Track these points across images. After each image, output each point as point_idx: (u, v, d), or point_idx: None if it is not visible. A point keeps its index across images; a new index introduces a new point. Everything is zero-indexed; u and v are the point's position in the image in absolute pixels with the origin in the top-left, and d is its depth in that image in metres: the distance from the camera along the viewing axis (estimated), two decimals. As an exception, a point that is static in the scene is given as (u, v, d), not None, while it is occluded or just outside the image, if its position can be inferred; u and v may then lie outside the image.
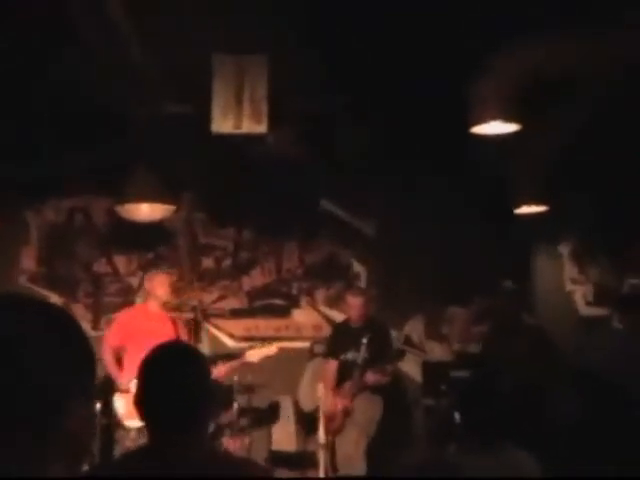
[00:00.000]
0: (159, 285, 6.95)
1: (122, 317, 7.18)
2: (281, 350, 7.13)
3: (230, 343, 8.52)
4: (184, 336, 6.95)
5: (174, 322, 6.96)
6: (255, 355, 6.96)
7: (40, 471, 1.20)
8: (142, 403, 2.54)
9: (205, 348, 7.69)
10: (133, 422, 6.23)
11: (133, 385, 3.07)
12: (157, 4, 5.08)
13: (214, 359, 7.37)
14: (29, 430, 1.19)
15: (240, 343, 8.50)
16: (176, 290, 7.72)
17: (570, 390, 7.37)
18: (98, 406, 6.60)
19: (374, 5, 5.11)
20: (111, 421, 6.67)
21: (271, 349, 7.07)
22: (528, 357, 7.10)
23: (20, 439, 1.18)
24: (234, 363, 6.98)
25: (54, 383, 1.21)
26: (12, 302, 1.29)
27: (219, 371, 6.85)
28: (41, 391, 1.19)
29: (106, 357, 6.69)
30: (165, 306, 7.12)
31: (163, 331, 6.48)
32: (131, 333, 6.60)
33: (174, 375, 2.50)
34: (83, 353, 1.29)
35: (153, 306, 6.97)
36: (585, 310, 8.21)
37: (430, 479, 3.15)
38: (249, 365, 7.04)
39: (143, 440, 5.11)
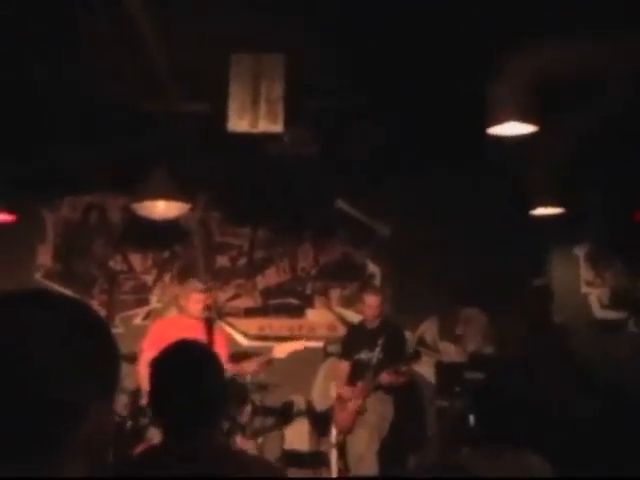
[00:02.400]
0: (194, 303, 6.84)
1: (157, 327, 7.08)
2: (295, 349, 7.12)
3: (244, 342, 8.52)
4: (219, 343, 6.82)
5: (211, 330, 6.83)
6: (283, 351, 6.94)
7: (57, 471, 1.18)
8: (154, 402, 2.54)
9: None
10: None
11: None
12: (176, 4, 5.08)
13: (245, 355, 7.40)
14: (47, 430, 1.17)
15: (254, 342, 8.51)
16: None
17: (587, 392, 7.35)
18: (130, 423, 6.55)
19: (391, 5, 5.09)
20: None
21: (299, 344, 7.06)
22: (555, 355, 7.08)
23: (37, 439, 1.17)
24: (262, 358, 6.96)
25: (75, 383, 1.19)
26: (39, 298, 1.27)
27: (250, 366, 6.86)
28: (60, 391, 1.17)
29: (141, 371, 6.37)
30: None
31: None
32: (164, 345, 6.46)
33: (185, 374, 2.50)
34: (107, 350, 1.27)
35: (188, 317, 6.89)
36: (600, 313, 8.17)
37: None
38: (275, 361, 7.01)
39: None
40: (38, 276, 8.69)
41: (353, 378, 7.35)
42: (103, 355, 1.26)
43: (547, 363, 6.96)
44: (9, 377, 1.16)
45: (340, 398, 7.27)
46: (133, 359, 6.92)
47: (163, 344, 2.64)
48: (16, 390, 1.16)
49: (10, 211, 7.94)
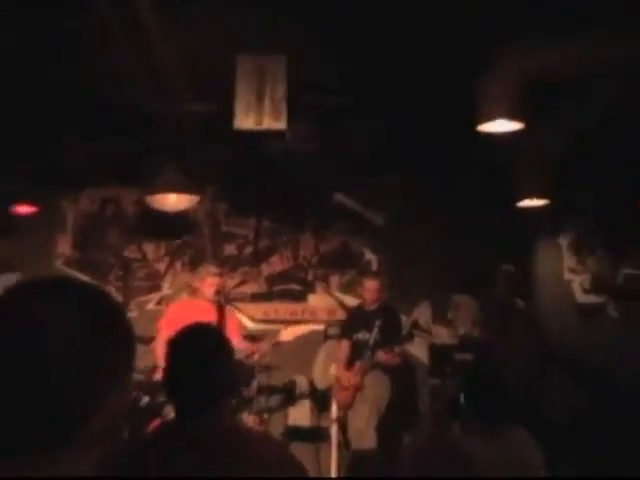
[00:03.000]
0: (208, 286, 6.83)
1: (172, 309, 7.07)
2: (297, 332, 7.12)
3: (250, 325, 8.50)
4: (232, 325, 6.80)
5: (222, 313, 6.82)
6: (289, 334, 6.96)
7: (79, 454, 1.15)
8: (168, 381, 2.53)
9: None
10: None
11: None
12: (185, 7, 5.03)
13: (252, 337, 7.42)
14: (67, 414, 1.13)
15: (259, 325, 8.50)
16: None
17: (563, 372, 7.33)
18: (145, 400, 6.51)
19: (386, 7, 5.04)
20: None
21: (304, 328, 7.12)
22: (519, 340, 7.05)
23: (58, 423, 1.13)
24: (271, 339, 6.97)
25: (99, 364, 1.16)
26: (59, 285, 1.24)
27: (262, 347, 6.86)
28: (86, 373, 1.14)
29: (158, 350, 6.38)
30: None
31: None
32: (180, 325, 6.45)
33: (198, 356, 2.49)
34: (125, 335, 1.24)
35: (202, 300, 6.87)
36: (582, 298, 8.13)
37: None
38: (284, 343, 7.04)
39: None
40: (59, 264, 8.69)
41: (352, 357, 7.35)
42: (122, 339, 1.23)
43: (511, 345, 6.93)
44: (35, 364, 1.12)
45: (340, 380, 7.26)
46: (147, 341, 6.91)
47: (179, 325, 2.64)
48: (39, 372, 1.12)
49: (33, 203, 7.95)
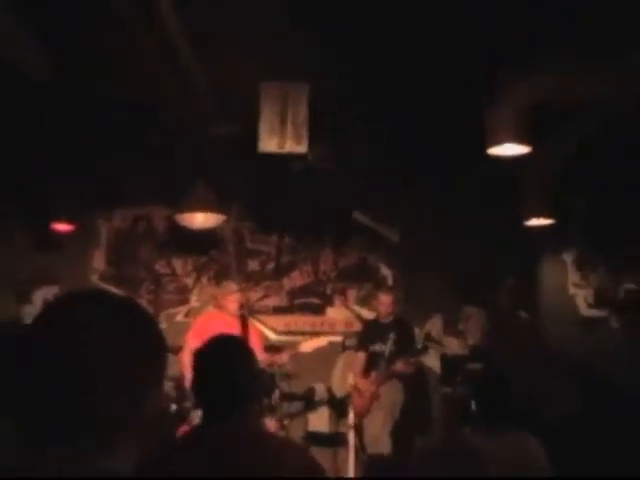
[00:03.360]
0: (231, 302, 6.89)
1: (200, 321, 7.13)
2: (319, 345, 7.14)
3: (272, 336, 8.52)
4: (255, 337, 6.84)
5: (246, 325, 6.83)
6: (308, 346, 6.99)
7: (126, 451, 1.19)
8: (196, 388, 2.56)
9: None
10: None
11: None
12: (218, 40, 5.12)
13: (274, 348, 7.45)
14: (111, 408, 1.18)
15: (281, 336, 8.52)
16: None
17: (566, 381, 7.30)
18: (174, 407, 6.54)
19: (402, 37, 5.10)
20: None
21: (322, 341, 7.13)
22: (520, 350, 7.04)
23: (99, 416, 1.17)
24: (291, 352, 7.00)
25: (134, 369, 1.20)
26: (101, 299, 1.28)
27: (281, 358, 6.90)
28: (123, 377, 1.18)
29: (185, 359, 6.43)
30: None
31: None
32: (206, 336, 6.47)
33: (223, 364, 2.52)
34: (157, 343, 1.28)
35: (226, 313, 6.93)
36: (586, 311, 8.12)
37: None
38: (301, 355, 7.05)
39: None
40: (94, 278, 8.73)
41: (368, 368, 7.36)
42: (154, 347, 1.27)
43: (510, 352, 6.91)
44: (78, 367, 1.17)
45: (357, 388, 7.27)
46: (175, 351, 6.94)
47: (205, 336, 2.67)
48: (85, 378, 1.17)
49: (70, 221, 8.01)
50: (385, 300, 7.48)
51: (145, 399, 1.21)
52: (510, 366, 6.52)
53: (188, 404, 6.48)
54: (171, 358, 6.94)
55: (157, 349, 1.28)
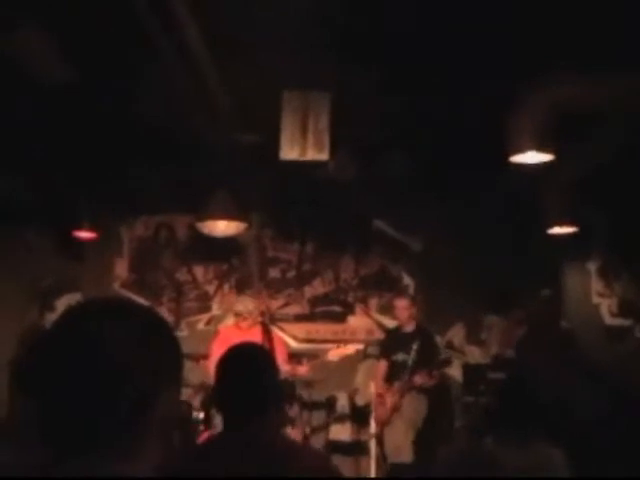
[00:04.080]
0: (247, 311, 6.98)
1: (224, 331, 7.20)
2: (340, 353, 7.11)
3: (294, 344, 8.52)
4: (279, 347, 6.84)
5: (268, 334, 6.78)
6: (336, 354, 6.96)
7: (142, 458, 1.21)
8: (218, 396, 2.57)
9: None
10: None
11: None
12: (236, 50, 5.14)
13: (295, 356, 7.44)
14: (123, 415, 1.20)
15: (302, 344, 8.52)
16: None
17: (596, 391, 7.23)
18: (201, 415, 6.56)
19: (425, 47, 5.09)
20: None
21: (350, 349, 7.12)
22: (559, 360, 6.97)
23: (113, 424, 1.19)
24: (316, 362, 6.99)
25: (147, 375, 1.22)
26: (113, 305, 1.32)
27: (301, 370, 6.91)
28: (139, 381, 1.21)
29: (211, 367, 6.45)
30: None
31: None
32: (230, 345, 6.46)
33: (244, 372, 2.52)
34: (173, 349, 1.30)
35: (248, 322, 6.95)
36: (610, 320, 8.07)
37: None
38: (323, 363, 7.03)
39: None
40: (116, 286, 8.79)
41: (390, 378, 7.32)
42: (169, 354, 1.29)
43: (549, 364, 6.84)
44: (93, 371, 1.19)
45: (379, 396, 7.24)
46: (197, 358, 6.97)
47: (229, 344, 2.68)
48: (100, 382, 1.19)
49: (93, 229, 8.06)
50: (400, 305, 7.45)
51: (161, 402, 1.23)
52: (545, 376, 6.46)
53: (213, 412, 6.48)
54: (193, 365, 6.97)
55: (173, 357, 1.30)
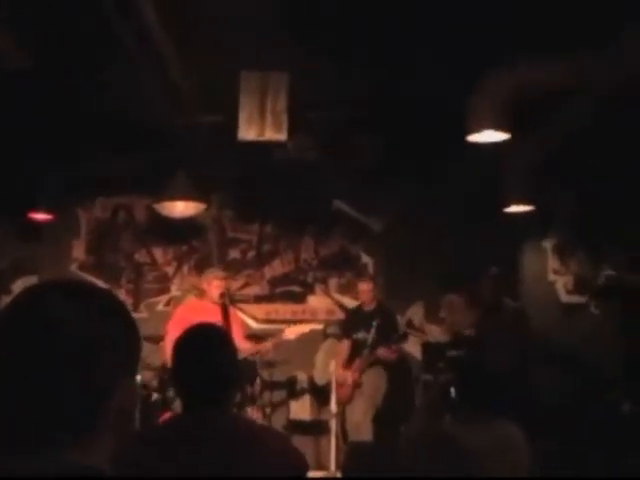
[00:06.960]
0: (215, 288, 6.85)
1: (180, 310, 7.08)
2: (303, 332, 7.11)
3: (254, 325, 8.51)
4: (236, 325, 6.82)
5: (227, 314, 6.79)
6: (292, 332, 6.94)
7: (102, 444, 1.17)
8: (175, 377, 2.54)
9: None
10: None
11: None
12: (195, 30, 5.08)
13: (255, 336, 7.42)
14: (82, 402, 1.15)
15: (262, 325, 8.50)
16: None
17: (549, 367, 7.34)
18: (155, 396, 6.51)
19: (383, 27, 5.07)
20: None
21: (306, 327, 7.13)
22: (508, 336, 7.05)
23: (72, 411, 1.14)
24: (275, 340, 6.96)
25: (107, 359, 1.17)
26: (71, 287, 1.26)
27: (265, 346, 6.88)
28: (95, 367, 1.16)
29: (167, 348, 6.25)
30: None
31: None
32: (187, 325, 6.42)
33: (202, 353, 2.49)
34: (131, 334, 1.25)
35: (208, 301, 6.91)
36: (566, 298, 8.18)
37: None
38: (285, 342, 7.00)
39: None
40: (73, 268, 8.69)
41: (352, 356, 7.36)
42: (127, 338, 1.24)
43: (499, 341, 6.92)
44: (53, 354, 1.14)
45: (341, 375, 7.26)
46: (156, 340, 6.90)
47: (186, 325, 2.64)
48: (61, 366, 1.14)
49: (50, 211, 7.96)
50: (364, 288, 7.51)
51: (118, 390, 1.18)
52: (497, 353, 6.53)
53: (170, 393, 6.45)
54: (152, 347, 6.92)
55: (131, 341, 1.25)
